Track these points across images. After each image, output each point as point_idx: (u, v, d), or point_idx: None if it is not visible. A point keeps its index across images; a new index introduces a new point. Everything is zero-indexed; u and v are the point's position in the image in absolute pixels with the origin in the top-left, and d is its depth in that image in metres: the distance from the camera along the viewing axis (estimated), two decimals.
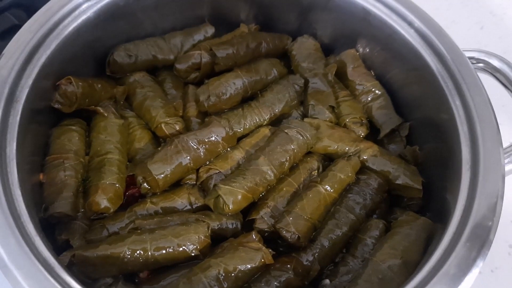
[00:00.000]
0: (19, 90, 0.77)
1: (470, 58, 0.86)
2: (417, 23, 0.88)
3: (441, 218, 0.78)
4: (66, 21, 0.85)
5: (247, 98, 1.01)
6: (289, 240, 0.82)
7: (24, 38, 0.81)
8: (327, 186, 0.87)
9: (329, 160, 0.96)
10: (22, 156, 0.75)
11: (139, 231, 0.80)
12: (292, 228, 0.81)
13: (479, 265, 0.65)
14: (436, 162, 0.89)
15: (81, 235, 0.82)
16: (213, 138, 0.90)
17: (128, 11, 0.96)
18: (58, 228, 0.83)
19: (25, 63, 0.79)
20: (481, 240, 0.67)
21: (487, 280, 1.02)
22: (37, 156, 0.85)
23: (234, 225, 0.85)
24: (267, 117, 0.97)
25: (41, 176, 0.84)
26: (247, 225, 0.86)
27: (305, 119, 0.97)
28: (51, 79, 0.86)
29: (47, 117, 0.89)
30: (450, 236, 0.69)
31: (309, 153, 0.94)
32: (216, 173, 0.89)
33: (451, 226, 0.70)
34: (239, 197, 0.83)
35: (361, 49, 1.04)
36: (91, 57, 0.97)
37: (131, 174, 0.89)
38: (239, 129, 0.95)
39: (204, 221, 0.82)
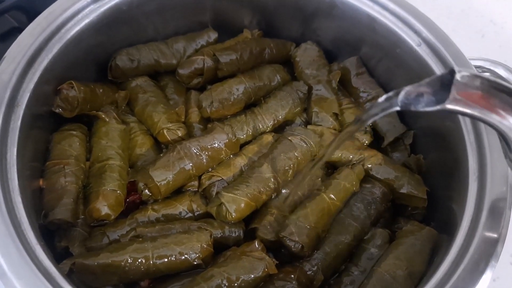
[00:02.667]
0: (20, 94, 0.76)
1: (477, 67, 0.85)
2: (425, 33, 0.87)
3: (446, 228, 0.78)
4: (68, 25, 0.84)
5: (250, 105, 1.00)
6: (293, 249, 0.81)
7: (25, 41, 0.79)
8: (331, 195, 0.86)
9: (332, 168, 0.95)
10: (23, 162, 0.74)
11: (140, 239, 0.79)
12: (295, 237, 0.80)
13: (488, 277, 0.64)
14: (441, 171, 0.88)
15: (81, 242, 0.81)
16: (216, 145, 0.89)
17: (131, 16, 0.94)
18: (58, 235, 0.81)
19: (27, 67, 0.78)
20: (489, 252, 0.66)
21: None
22: (37, 162, 0.83)
23: (237, 234, 0.84)
24: (270, 123, 0.96)
25: (41, 182, 0.82)
26: (250, 234, 0.85)
27: (309, 126, 0.97)
28: (53, 83, 0.85)
29: (48, 122, 0.87)
30: (458, 247, 0.68)
31: (312, 161, 0.93)
32: (219, 180, 0.88)
33: (459, 238, 0.69)
34: (242, 205, 0.82)
35: (365, 56, 1.04)
36: (93, 61, 0.96)
37: (132, 180, 0.88)
38: (242, 136, 0.94)
39: (206, 229, 0.81)
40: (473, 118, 0.51)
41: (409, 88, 0.53)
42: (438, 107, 0.49)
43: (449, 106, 0.49)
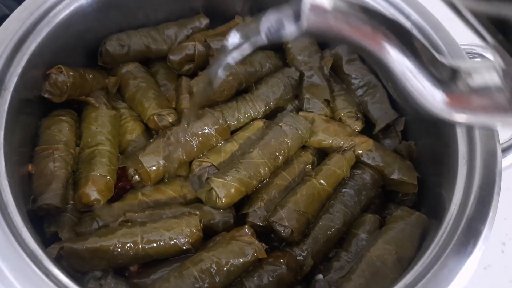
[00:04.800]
0: (8, 78, 0.75)
1: (467, 52, 0.85)
2: (414, 16, 0.86)
3: (435, 213, 0.78)
4: (57, 9, 0.83)
5: (241, 91, 0.99)
6: (283, 234, 0.81)
7: (13, 25, 0.79)
8: (321, 180, 0.86)
9: (323, 154, 0.95)
10: (11, 147, 0.73)
11: (129, 223, 0.78)
12: (285, 222, 0.80)
13: (475, 261, 0.64)
14: (432, 157, 0.88)
15: (71, 227, 0.80)
16: (206, 131, 0.89)
17: (121, 1, 0.94)
18: (47, 220, 0.81)
19: (14, 51, 0.77)
20: (477, 236, 0.66)
21: (480, 277, 1.02)
22: (26, 147, 0.83)
23: (227, 219, 0.84)
24: (261, 110, 0.96)
25: (30, 167, 0.82)
26: (240, 219, 0.85)
27: (300, 113, 0.96)
28: (41, 68, 0.84)
29: (37, 107, 0.87)
30: (446, 231, 0.68)
31: (303, 147, 0.93)
32: (209, 166, 0.88)
33: (446, 222, 0.69)
34: (232, 190, 0.82)
35: None
36: (83, 47, 0.95)
37: (123, 166, 0.87)
38: (233, 122, 0.94)
39: (196, 214, 0.81)
40: (329, 39, 0.51)
41: (268, 18, 0.52)
42: (296, 32, 0.49)
43: (304, 27, 0.48)
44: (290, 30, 0.50)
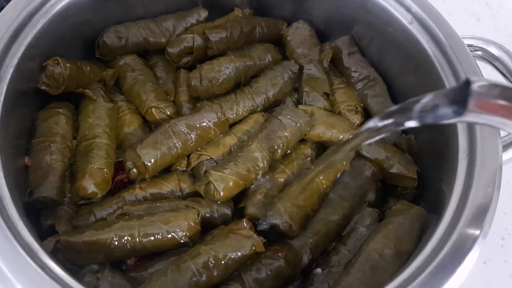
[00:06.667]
0: (3, 69, 0.74)
1: (469, 45, 0.84)
2: (415, 8, 0.86)
3: (435, 208, 0.77)
4: (53, 0, 0.82)
5: (241, 84, 0.98)
6: (281, 228, 0.80)
7: (9, 16, 0.78)
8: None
9: (322, 147, 0.94)
10: (6, 139, 0.73)
11: (127, 217, 0.78)
12: (284, 216, 0.79)
13: (474, 256, 0.64)
14: (432, 151, 0.88)
15: (67, 220, 0.80)
16: (204, 124, 0.88)
17: None
18: (44, 213, 0.80)
19: (10, 42, 0.76)
20: (477, 231, 0.66)
21: (479, 272, 1.02)
22: (22, 140, 0.82)
23: (225, 212, 0.83)
24: (260, 103, 0.95)
25: (26, 160, 0.81)
26: (238, 213, 0.85)
27: (299, 106, 0.95)
28: (38, 59, 0.83)
29: (33, 99, 0.86)
30: (445, 226, 0.67)
31: (302, 140, 0.93)
32: (207, 159, 0.87)
33: (446, 216, 0.68)
34: (231, 183, 0.81)
35: (357, 36, 1.02)
36: (80, 38, 0.94)
37: (121, 159, 0.87)
38: (232, 115, 0.93)
39: (194, 208, 0.80)
40: (493, 127, 0.49)
41: (425, 100, 0.50)
42: (456, 119, 0.47)
43: (468, 117, 0.46)
44: (445, 114, 0.48)
